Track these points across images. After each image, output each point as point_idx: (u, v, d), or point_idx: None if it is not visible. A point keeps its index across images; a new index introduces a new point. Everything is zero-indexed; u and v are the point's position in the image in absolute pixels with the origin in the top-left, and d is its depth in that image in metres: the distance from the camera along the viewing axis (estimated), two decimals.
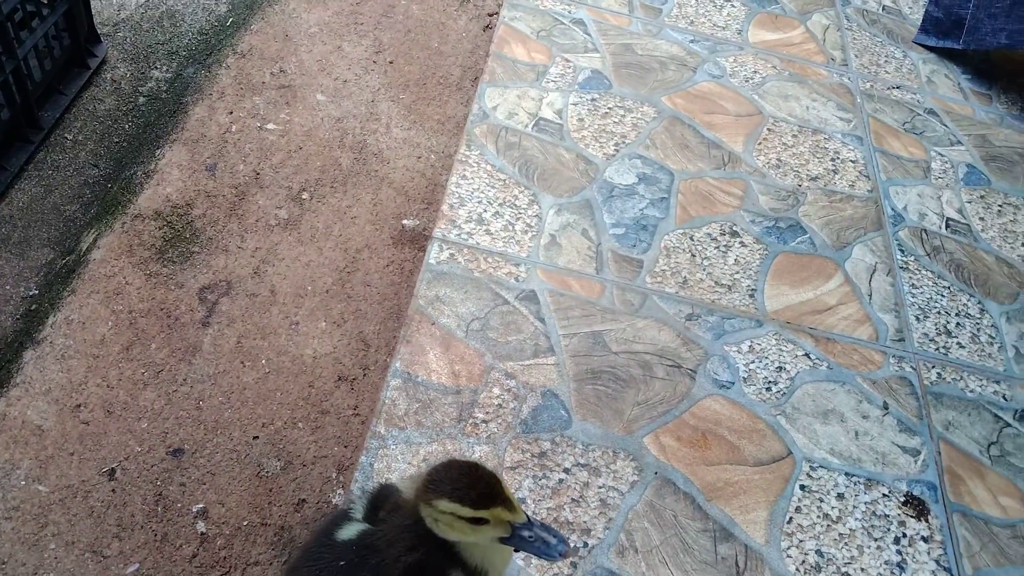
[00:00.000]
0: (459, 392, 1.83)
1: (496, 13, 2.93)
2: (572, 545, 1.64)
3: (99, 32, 2.49)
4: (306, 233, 2.15)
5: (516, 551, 1.18)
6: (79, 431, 1.71)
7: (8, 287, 1.94)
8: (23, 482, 1.62)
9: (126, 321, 1.90)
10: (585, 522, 1.68)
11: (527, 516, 1.13)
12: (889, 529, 1.79)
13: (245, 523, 1.64)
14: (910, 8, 3.42)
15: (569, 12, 2.91)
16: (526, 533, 1.12)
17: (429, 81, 2.65)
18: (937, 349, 2.17)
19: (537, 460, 1.75)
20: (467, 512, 1.10)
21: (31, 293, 1.93)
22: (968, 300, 2.31)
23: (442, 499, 1.11)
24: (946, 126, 2.87)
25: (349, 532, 1.25)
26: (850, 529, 1.78)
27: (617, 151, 2.46)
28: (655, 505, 1.73)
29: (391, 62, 2.67)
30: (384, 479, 1.66)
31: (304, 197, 2.24)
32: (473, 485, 1.12)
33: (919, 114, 2.89)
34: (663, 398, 1.91)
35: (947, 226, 2.51)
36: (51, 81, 2.31)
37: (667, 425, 1.87)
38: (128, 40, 2.57)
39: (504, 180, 2.29)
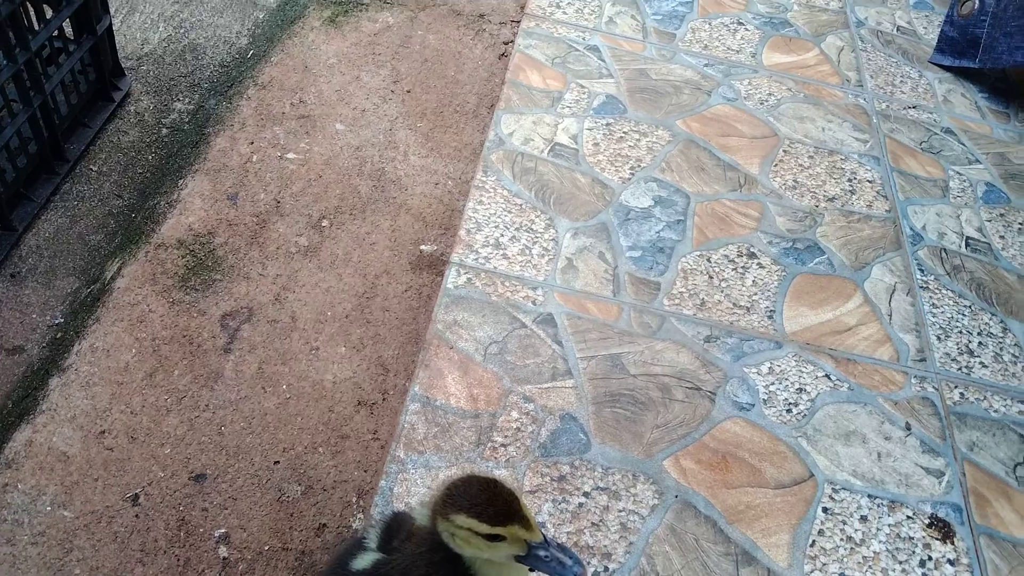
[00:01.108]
0: (478, 416, 1.84)
1: (511, 41, 2.97)
2: (589, 569, 1.63)
3: (123, 66, 2.55)
4: (326, 260, 2.18)
5: (531, 571, 1.18)
6: (103, 457, 1.73)
7: (35, 315, 1.97)
8: (49, 508, 1.64)
9: (149, 348, 1.92)
10: (605, 546, 1.67)
11: (544, 535, 1.13)
12: (914, 552, 1.77)
13: (266, 548, 1.65)
14: (925, 28, 3.42)
15: (583, 39, 2.94)
16: (542, 553, 1.12)
17: (446, 109, 2.68)
18: (959, 369, 2.15)
19: (556, 484, 1.75)
20: (484, 528, 1.10)
21: (57, 321, 1.97)
22: (990, 319, 2.29)
23: (460, 514, 1.11)
24: (964, 145, 2.87)
25: (364, 562, 1.25)
26: (874, 552, 1.76)
27: (633, 175, 2.48)
28: (676, 529, 1.72)
29: (408, 91, 2.71)
30: (404, 503, 1.67)
31: (324, 224, 2.26)
32: (491, 501, 1.12)
33: (936, 133, 2.89)
34: (683, 421, 1.91)
35: (967, 245, 2.50)
36: (77, 114, 2.37)
37: (687, 448, 1.86)
38: (151, 73, 2.63)
39: (520, 205, 2.31)
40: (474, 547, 1.13)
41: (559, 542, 1.15)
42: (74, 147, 2.34)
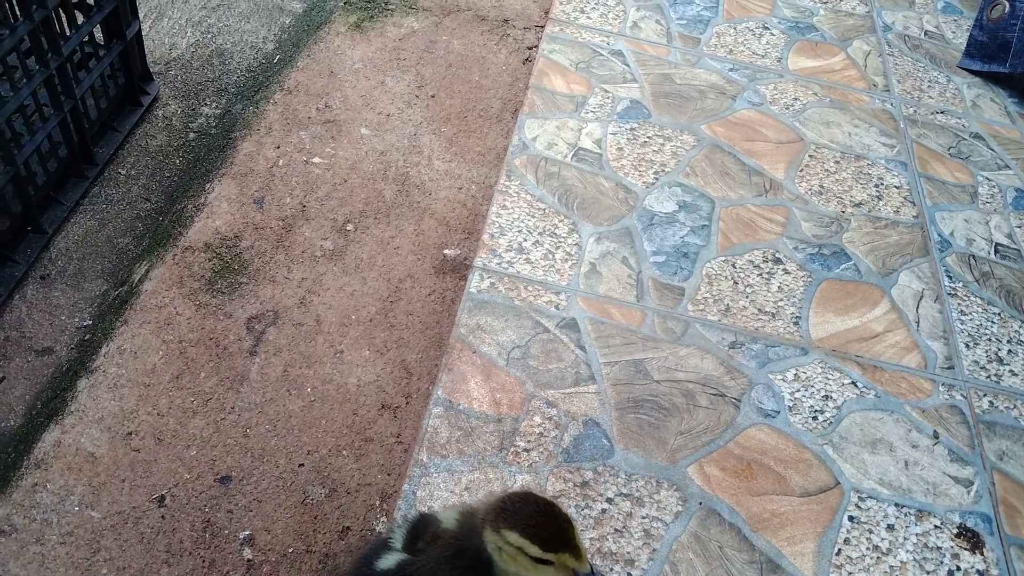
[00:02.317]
0: (500, 420, 1.83)
1: (535, 46, 2.97)
2: (612, 575, 1.63)
3: (152, 71, 2.58)
4: (350, 264, 2.19)
5: None
6: (130, 458, 1.75)
7: (64, 318, 2.00)
8: (77, 508, 1.66)
9: (176, 351, 1.94)
10: (628, 553, 1.66)
11: (591, 566, 1.12)
12: (942, 562, 1.75)
13: (291, 550, 1.66)
14: (953, 33, 3.39)
15: (608, 44, 2.94)
16: None
17: (470, 114, 2.69)
18: (988, 377, 2.12)
19: (579, 490, 1.75)
20: (535, 551, 1.10)
21: (85, 323, 1.99)
22: (1020, 327, 2.25)
23: (513, 531, 1.11)
24: (993, 150, 2.83)
25: (388, 562, 1.26)
26: (901, 561, 1.73)
27: (657, 179, 2.47)
28: (700, 536, 1.71)
29: (433, 96, 2.72)
30: (427, 507, 1.67)
31: (349, 228, 2.28)
32: (547, 526, 1.11)
33: (964, 139, 2.86)
34: (707, 427, 1.89)
35: (996, 251, 2.46)
36: (106, 118, 2.40)
37: (711, 455, 1.85)
38: (179, 78, 2.66)
39: (544, 210, 2.31)
40: (520, 566, 1.13)
41: (603, 574, 1.14)
42: (103, 151, 2.37)
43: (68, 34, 2.13)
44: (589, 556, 1.57)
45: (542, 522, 1.12)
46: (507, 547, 1.12)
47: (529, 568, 1.13)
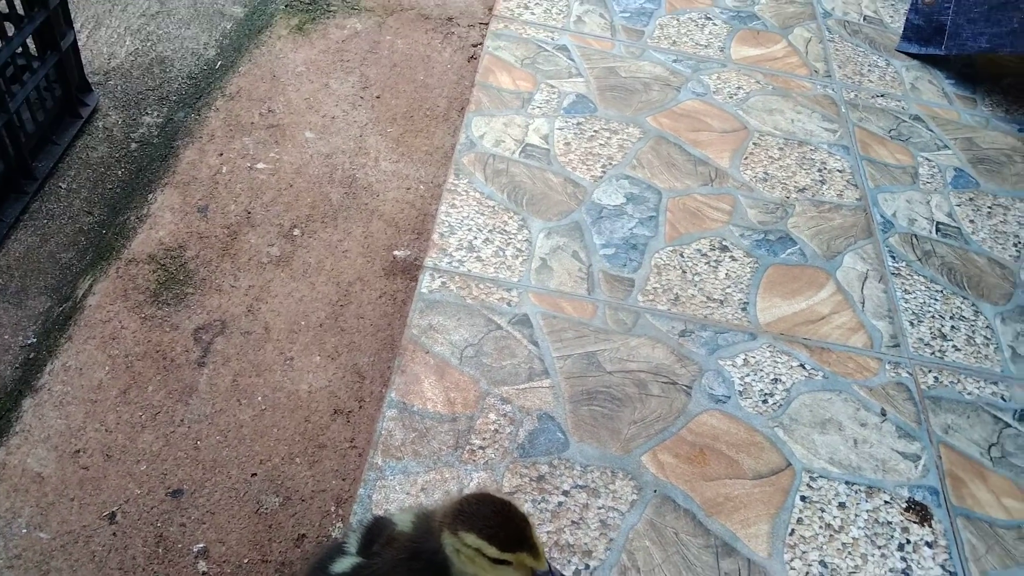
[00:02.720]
0: (455, 419, 1.84)
1: (480, 44, 2.97)
2: (570, 567, 1.64)
3: (90, 81, 2.53)
4: (298, 269, 2.17)
5: None
6: (79, 476, 1.72)
7: (7, 337, 1.96)
8: (24, 530, 1.63)
9: (122, 365, 1.91)
10: (586, 544, 1.67)
11: (548, 565, 1.13)
12: (892, 536, 1.79)
13: (246, 561, 1.64)
14: (891, 17, 3.45)
15: (552, 39, 2.95)
16: None
17: (416, 113, 2.68)
18: (933, 353, 2.17)
19: (536, 484, 1.76)
20: (493, 552, 1.10)
21: (29, 342, 1.96)
22: (962, 303, 2.31)
23: (470, 533, 1.11)
24: (932, 131, 2.89)
25: (343, 566, 1.25)
26: (853, 538, 1.77)
27: (604, 173, 2.49)
28: (655, 523, 1.73)
29: (378, 97, 2.71)
30: (383, 510, 1.67)
31: (295, 233, 2.26)
32: (504, 526, 1.11)
33: (904, 121, 2.92)
34: (659, 416, 1.91)
35: (937, 230, 2.52)
36: (44, 131, 2.35)
37: (665, 442, 1.87)
38: (119, 88, 2.61)
39: (493, 207, 2.31)
40: (478, 567, 1.13)
41: (562, 573, 1.15)
42: (42, 165, 2.32)
43: None
44: (547, 551, 1.59)
45: (499, 522, 1.12)
46: (465, 549, 1.12)
47: (487, 569, 1.13)
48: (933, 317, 2.26)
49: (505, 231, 2.26)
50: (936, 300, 2.30)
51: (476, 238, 2.22)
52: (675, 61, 2.97)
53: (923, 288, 2.33)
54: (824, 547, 1.75)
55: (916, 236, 2.48)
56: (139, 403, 1.85)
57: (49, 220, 2.23)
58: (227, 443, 1.81)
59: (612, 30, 3.06)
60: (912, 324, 2.22)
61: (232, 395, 1.89)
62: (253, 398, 1.89)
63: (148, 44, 2.78)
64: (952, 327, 2.24)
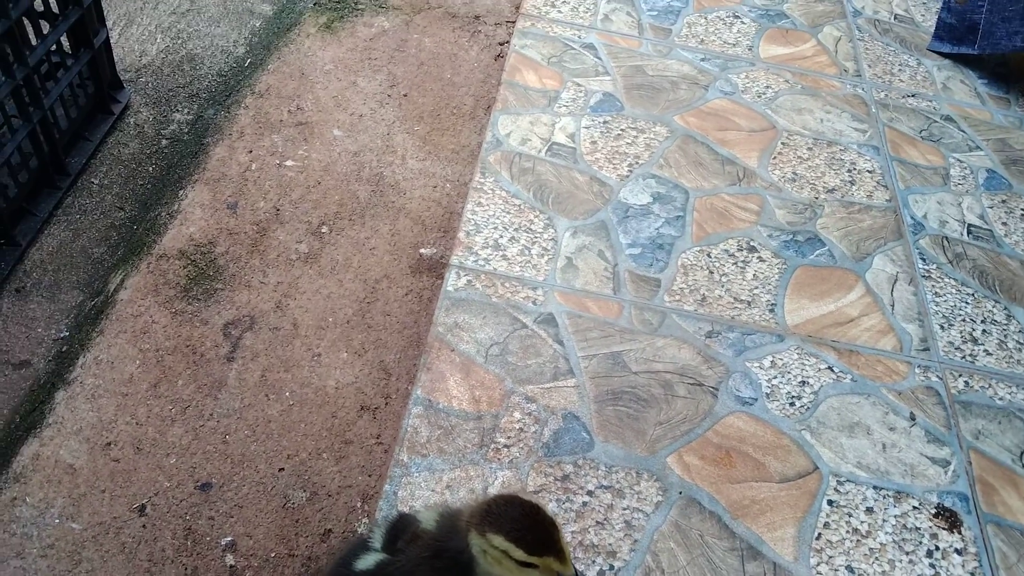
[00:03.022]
0: (480, 418, 1.84)
1: (507, 42, 2.97)
2: (595, 568, 1.64)
3: (122, 78, 2.57)
4: (326, 266, 2.19)
5: None
6: (110, 469, 1.75)
7: (40, 330, 1.99)
8: (57, 520, 1.66)
9: (153, 359, 1.94)
10: (610, 544, 1.67)
11: (575, 570, 1.13)
12: (921, 542, 1.77)
13: (273, 555, 1.66)
14: (922, 16, 3.41)
15: (579, 37, 2.94)
16: None
17: (443, 112, 2.69)
18: (963, 357, 2.14)
19: (560, 483, 1.76)
20: (520, 555, 1.11)
21: (62, 335, 1.99)
22: (993, 306, 2.28)
23: (498, 535, 1.11)
24: (964, 132, 2.85)
25: (368, 562, 1.26)
26: (880, 543, 1.75)
27: (631, 172, 2.48)
28: (681, 525, 1.72)
29: (405, 95, 2.72)
30: (408, 507, 1.68)
31: (323, 231, 2.28)
32: (532, 529, 1.12)
33: (936, 121, 2.88)
34: (685, 417, 1.91)
35: (969, 232, 2.49)
36: (77, 128, 2.38)
37: (690, 444, 1.86)
38: (150, 85, 2.64)
39: (519, 205, 2.31)
40: (504, 569, 1.14)
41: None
42: (75, 161, 2.36)
43: (34, 44, 2.12)
44: (571, 549, 1.59)
45: (527, 525, 1.12)
46: (492, 550, 1.13)
47: (514, 571, 1.13)
48: (964, 321, 2.23)
49: (531, 230, 2.26)
50: (967, 303, 2.27)
51: (502, 237, 2.22)
52: (703, 60, 2.95)
53: (954, 291, 2.30)
54: (851, 552, 1.73)
55: (947, 238, 2.45)
56: (169, 397, 1.87)
57: (81, 215, 2.26)
58: (255, 438, 1.82)
59: (639, 28, 3.05)
60: (942, 327, 2.20)
61: (260, 390, 1.90)
62: (281, 393, 1.91)
63: (179, 42, 2.81)
64: (983, 331, 2.21)
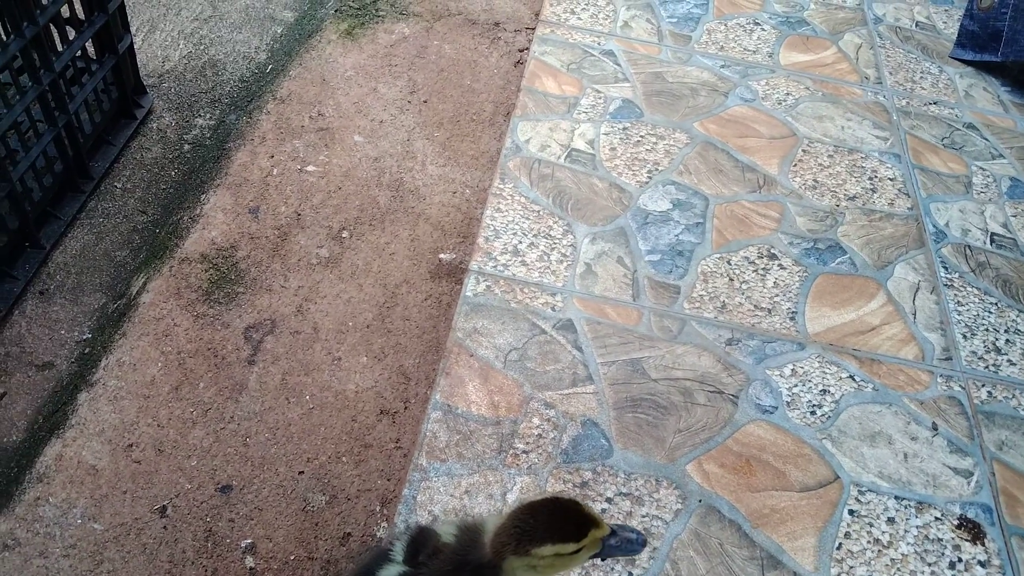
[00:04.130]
0: (499, 423, 1.84)
1: (526, 49, 2.98)
2: None
3: (145, 84, 2.59)
4: (346, 270, 2.20)
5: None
6: (132, 470, 1.76)
7: (63, 332, 2.01)
8: (79, 520, 1.67)
9: (175, 362, 1.95)
10: None
11: (609, 527, 1.14)
12: (943, 554, 1.75)
13: (292, 557, 1.66)
14: (944, 23, 3.39)
15: (599, 44, 2.95)
16: (612, 541, 1.14)
17: (462, 118, 2.70)
18: (987, 367, 2.12)
19: (579, 490, 1.75)
20: (571, 548, 1.12)
21: (85, 337, 2.00)
22: (1017, 316, 2.26)
23: (544, 545, 1.12)
24: (986, 139, 2.83)
25: (389, 574, 1.26)
26: (902, 554, 1.74)
27: (650, 178, 2.47)
28: (700, 533, 1.71)
29: (425, 101, 2.73)
30: (427, 512, 1.68)
31: (344, 235, 2.29)
32: (567, 520, 1.13)
33: (958, 129, 2.86)
34: (705, 424, 1.90)
35: (992, 241, 2.47)
36: (100, 132, 2.41)
37: (710, 452, 1.85)
38: (173, 90, 2.67)
39: (538, 211, 2.32)
40: (559, 566, 1.15)
41: (616, 523, 1.16)
42: (99, 165, 2.38)
43: (60, 50, 2.15)
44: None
45: (561, 520, 1.13)
46: (542, 561, 1.13)
47: (568, 562, 1.15)
48: (987, 330, 2.21)
49: (550, 236, 2.26)
50: (990, 312, 2.25)
51: (521, 242, 2.22)
52: (723, 66, 2.95)
53: (976, 300, 2.28)
54: (872, 562, 1.72)
55: (969, 247, 2.43)
56: (190, 399, 1.88)
57: (105, 219, 2.28)
58: (275, 441, 1.83)
59: (659, 35, 3.04)
60: (965, 337, 2.18)
61: (281, 393, 1.91)
62: (301, 397, 1.91)
63: (201, 48, 2.83)
64: (1007, 340, 2.19)
